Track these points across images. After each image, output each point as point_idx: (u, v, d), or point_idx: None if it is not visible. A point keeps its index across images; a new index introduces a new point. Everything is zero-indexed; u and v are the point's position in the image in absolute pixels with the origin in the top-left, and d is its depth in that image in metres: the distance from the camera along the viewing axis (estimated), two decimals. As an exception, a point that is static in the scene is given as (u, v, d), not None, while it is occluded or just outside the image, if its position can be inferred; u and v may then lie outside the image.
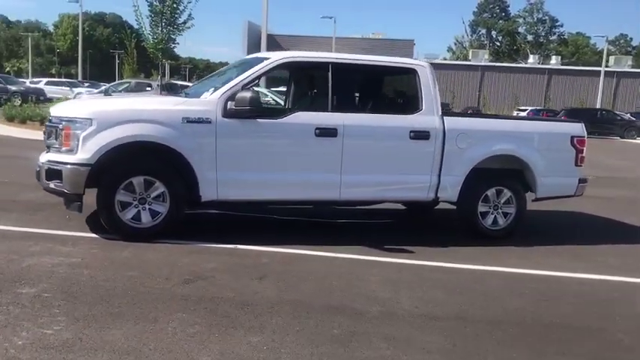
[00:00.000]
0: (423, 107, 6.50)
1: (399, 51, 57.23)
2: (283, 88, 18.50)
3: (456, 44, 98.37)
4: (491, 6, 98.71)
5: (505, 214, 6.90)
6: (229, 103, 5.83)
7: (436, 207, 7.46)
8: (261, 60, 6.30)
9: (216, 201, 6.02)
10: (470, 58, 72.47)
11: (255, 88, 6.57)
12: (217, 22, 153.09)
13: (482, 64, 66.35)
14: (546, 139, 6.99)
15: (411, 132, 6.36)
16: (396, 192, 6.55)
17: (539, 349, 3.95)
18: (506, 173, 6.99)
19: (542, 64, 69.74)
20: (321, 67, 6.54)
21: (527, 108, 52.33)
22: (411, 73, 6.63)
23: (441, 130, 6.47)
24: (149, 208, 5.81)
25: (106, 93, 23.33)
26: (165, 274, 4.84)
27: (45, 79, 40.92)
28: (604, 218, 8.96)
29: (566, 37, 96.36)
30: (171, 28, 18.70)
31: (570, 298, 5.02)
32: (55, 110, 6.02)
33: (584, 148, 7.09)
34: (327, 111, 6.30)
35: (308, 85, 7.46)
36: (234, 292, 4.56)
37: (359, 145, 6.28)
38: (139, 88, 22.50)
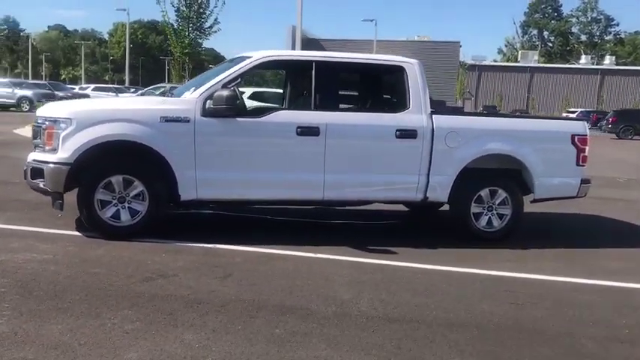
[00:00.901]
0: (411, 105, 6.35)
1: (444, 53, 56.69)
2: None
3: (506, 46, 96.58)
4: (543, 6, 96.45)
5: (500, 216, 6.66)
6: (208, 102, 5.83)
7: (440, 208, 7.33)
8: (244, 59, 6.28)
9: (196, 200, 6.02)
10: (519, 59, 71.00)
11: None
12: (262, 27, 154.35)
13: (532, 65, 64.87)
14: (544, 137, 6.72)
15: (397, 131, 6.21)
16: (383, 192, 6.40)
17: (492, 354, 3.77)
18: (501, 173, 6.75)
19: (596, 64, 67.61)
20: (303, 65, 6.48)
21: (576, 110, 50.88)
22: (398, 70, 6.48)
23: (430, 128, 6.30)
24: (128, 207, 5.86)
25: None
26: (130, 272, 4.85)
27: (93, 86, 42.27)
28: (622, 222, 8.54)
29: (622, 36, 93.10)
30: (198, 33, 19.00)
31: (548, 303, 4.78)
32: (41, 111, 6.16)
33: (586, 147, 6.77)
34: (310, 109, 6.23)
35: (293, 84, 7.40)
36: (190, 290, 4.53)
37: (342, 144, 6.18)
38: (171, 93, 22.84)
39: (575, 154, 6.71)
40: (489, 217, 6.64)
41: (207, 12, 18.58)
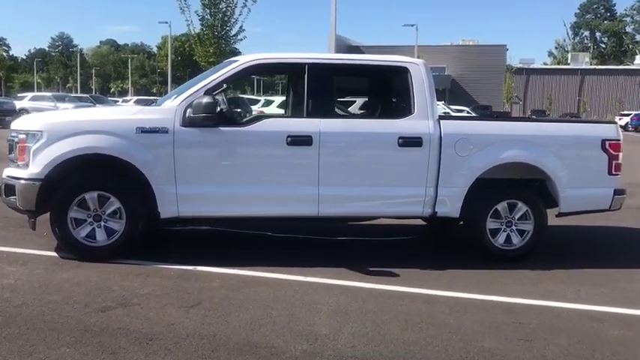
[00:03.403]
0: (415, 110, 5.70)
1: (490, 57, 55.23)
2: (352, 99, 17.96)
3: (557, 48, 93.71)
4: (595, 6, 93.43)
5: (521, 232, 5.92)
6: (189, 110, 5.34)
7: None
8: (231, 63, 5.78)
9: (177, 218, 5.52)
10: (569, 61, 68.72)
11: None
12: (311, 38, 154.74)
13: (582, 67, 62.59)
14: (570, 143, 5.94)
15: (399, 138, 5.58)
16: (386, 207, 5.77)
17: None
18: (521, 184, 6.02)
19: (652, 64, 64.73)
20: (295, 69, 5.93)
21: (630, 112, 48.69)
22: (401, 72, 5.85)
23: (437, 135, 5.64)
24: (104, 226, 5.41)
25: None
26: (88, 300, 4.38)
27: (135, 98, 42.86)
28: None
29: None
30: (223, 41, 18.69)
31: (563, 339, 4.05)
32: (15, 123, 5.79)
33: (620, 154, 5.96)
34: (302, 117, 5.67)
35: (289, 89, 6.85)
36: (147, 323, 4.01)
37: (338, 154, 5.59)
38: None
39: (607, 161, 5.92)
40: (508, 234, 5.91)
41: (232, 20, 18.33)
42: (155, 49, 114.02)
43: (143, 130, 5.30)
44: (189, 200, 5.44)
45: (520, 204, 5.87)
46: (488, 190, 5.84)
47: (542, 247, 6.04)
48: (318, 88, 5.63)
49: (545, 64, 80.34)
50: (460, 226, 6.20)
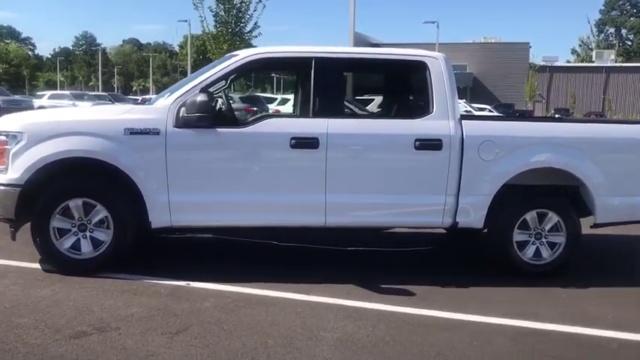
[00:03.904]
0: (434, 109, 5.12)
1: (513, 55, 54.18)
2: (370, 97, 17.28)
3: (580, 46, 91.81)
4: (620, 2, 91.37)
5: (551, 245, 5.31)
6: (182, 110, 4.83)
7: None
8: (230, 58, 5.25)
9: (170, 228, 5.01)
10: (594, 59, 67.20)
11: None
12: (324, 34, 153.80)
13: (608, 65, 61.06)
14: (608, 146, 5.32)
15: (416, 140, 5.01)
16: (400, 216, 5.20)
17: None
18: (552, 192, 5.41)
19: (680, 61, 63.02)
20: (302, 63, 5.38)
21: (658, 111, 47.29)
22: (419, 67, 5.27)
23: (458, 137, 5.06)
24: (90, 236, 4.93)
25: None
26: (62, 324, 3.89)
27: (155, 96, 42.71)
28: None
29: None
30: (238, 38, 18.17)
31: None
32: (-4, 124, 5.32)
33: (666, 158, 5.32)
34: (308, 116, 5.13)
35: (297, 86, 6.30)
36: (123, 353, 3.50)
37: (347, 157, 5.05)
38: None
39: (651, 166, 5.29)
40: (537, 247, 5.31)
41: (247, 16, 17.82)
42: (177, 48, 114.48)
43: (132, 132, 4.81)
44: (182, 208, 4.93)
45: (551, 214, 5.26)
46: (516, 198, 5.25)
47: (575, 260, 5.43)
48: (325, 84, 5.08)
49: (568, 62, 78.68)
50: (484, 236, 5.60)
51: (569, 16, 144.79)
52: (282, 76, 62.20)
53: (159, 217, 4.92)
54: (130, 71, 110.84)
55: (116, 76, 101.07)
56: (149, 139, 4.82)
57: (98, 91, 66.95)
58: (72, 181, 4.91)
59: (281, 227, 5.23)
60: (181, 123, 4.82)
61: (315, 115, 5.04)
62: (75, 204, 4.86)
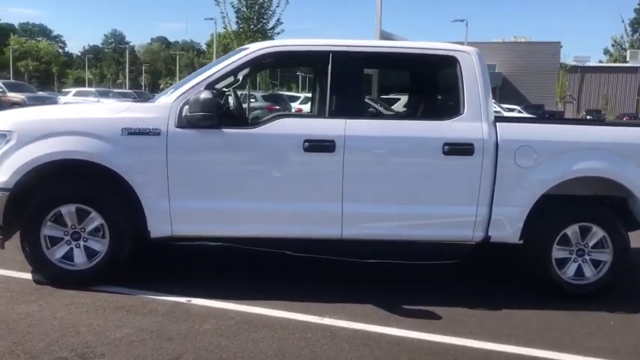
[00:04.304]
0: (465, 110, 4.59)
1: (543, 54, 53.00)
2: (397, 96, 16.65)
3: (613, 45, 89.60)
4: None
5: (596, 263, 4.74)
6: (186, 108, 4.38)
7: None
8: (240, 51, 4.78)
9: (171, 238, 4.57)
10: (628, 59, 65.45)
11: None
12: (351, 32, 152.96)
13: (643, 65, 59.33)
14: (663, 153, 4.72)
15: (445, 145, 4.48)
16: (425, 229, 4.67)
17: None
18: (597, 203, 4.83)
19: None
20: (318, 58, 4.89)
21: (696, 113, 45.74)
22: (449, 63, 4.74)
23: (492, 141, 4.52)
24: (84, 246, 4.51)
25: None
26: (41, 348, 3.46)
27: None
28: None
29: None
30: (260, 35, 17.74)
31: None
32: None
33: None
34: (324, 116, 4.64)
35: (315, 84, 5.81)
36: (103, 386, 3.06)
37: (367, 163, 4.54)
38: (245, 100, 21.81)
39: None
40: (579, 265, 4.75)
41: (269, 12, 17.37)
42: (204, 47, 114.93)
43: (130, 132, 4.37)
44: (184, 217, 4.49)
45: (595, 228, 4.69)
46: (556, 210, 4.69)
47: (622, 280, 4.85)
48: (343, 81, 4.58)
49: (600, 62, 76.80)
50: (518, 251, 5.03)
51: (602, 15, 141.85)
52: (307, 74, 61.79)
53: (158, 226, 4.48)
54: (157, 69, 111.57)
55: (144, 74, 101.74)
56: (148, 140, 4.38)
57: (125, 88, 67.32)
58: (64, 185, 4.49)
59: (291, 239, 4.74)
60: (184, 123, 4.38)
61: (332, 115, 4.55)
62: (68, 210, 4.44)
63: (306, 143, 4.41)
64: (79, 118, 4.49)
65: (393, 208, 4.58)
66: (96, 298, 4.29)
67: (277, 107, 20.71)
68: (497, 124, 4.60)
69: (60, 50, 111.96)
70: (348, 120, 4.49)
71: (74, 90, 35.73)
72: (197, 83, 4.50)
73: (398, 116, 5.16)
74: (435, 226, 4.66)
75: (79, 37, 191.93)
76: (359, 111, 4.66)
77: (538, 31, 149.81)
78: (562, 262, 4.73)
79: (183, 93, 4.47)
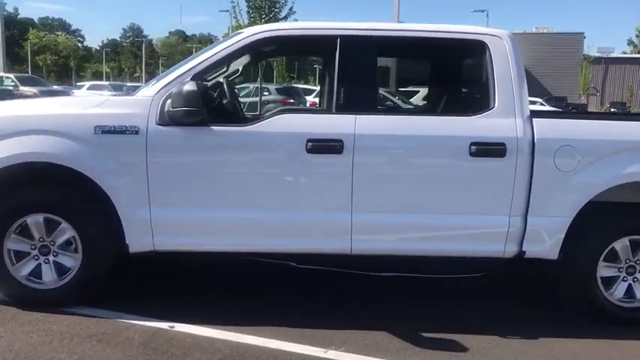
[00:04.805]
0: (496, 104, 3.91)
1: (566, 46, 51.74)
2: (416, 88, 15.88)
3: (638, 36, 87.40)
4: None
5: (649, 283, 4.05)
6: (168, 102, 3.76)
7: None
8: (232, 37, 4.14)
9: (154, 252, 3.95)
10: (654, 50, 63.84)
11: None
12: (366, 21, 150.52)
13: (669, 55, 57.72)
14: None
15: (472, 144, 3.81)
16: (448, 243, 4.01)
17: None
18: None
19: None
20: (324, 44, 4.22)
21: None
22: (476, 48, 4.07)
23: (528, 140, 3.84)
24: (54, 261, 3.92)
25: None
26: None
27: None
28: None
29: None
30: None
31: None
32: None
33: None
34: (331, 112, 3.99)
35: (321, 73, 5.14)
36: None
37: (380, 165, 3.89)
38: (257, 93, 21.28)
39: None
40: (629, 285, 4.06)
41: (282, 1, 16.71)
42: (221, 39, 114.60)
43: (104, 130, 3.76)
44: (168, 228, 3.88)
45: (649, 242, 3.99)
46: (602, 220, 4.00)
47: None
48: (354, 70, 3.92)
49: (624, 53, 74.98)
50: (556, 267, 4.32)
51: (626, 5, 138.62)
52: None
53: (138, 239, 3.88)
54: (175, 62, 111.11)
55: (161, 67, 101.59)
56: (125, 140, 3.76)
57: (142, 82, 67.17)
58: (30, 192, 3.88)
59: (293, 254, 4.09)
60: (166, 119, 3.75)
61: (340, 110, 3.90)
62: (34, 221, 3.85)
63: (310, 143, 3.77)
64: (46, 115, 3.87)
65: (410, 218, 3.92)
66: (64, 323, 3.69)
67: (292, 101, 20.10)
68: (534, 119, 3.92)
69: (78, 44, 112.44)
70: (358, 116, 3.84)
71: (88, 84, 35.45)
72: (182, 73, 3.89)
73: (416, 111, 4.49)
74: (459, 240, 4.00)
75: (98, 31, 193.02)
76: (371, 105, 3.98)
77: (560, 22, 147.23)
78: (609, 281, 4.04)
79: (166, 85, 3.85)
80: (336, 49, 3.94)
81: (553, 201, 3.90)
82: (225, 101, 4.30)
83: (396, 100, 13.10)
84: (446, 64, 4.91)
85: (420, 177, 3.90)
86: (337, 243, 3.93)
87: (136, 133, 3.76)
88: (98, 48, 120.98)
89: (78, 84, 38.86)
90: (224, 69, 4.17)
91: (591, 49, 61.80)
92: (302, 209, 3.88)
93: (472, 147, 3.81)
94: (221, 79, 4.49)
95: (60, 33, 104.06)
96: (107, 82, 37.61)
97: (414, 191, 3.90)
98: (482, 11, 40.42)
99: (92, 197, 3.84)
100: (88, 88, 32.91)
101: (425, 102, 6.18)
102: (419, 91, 16.40)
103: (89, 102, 3.98)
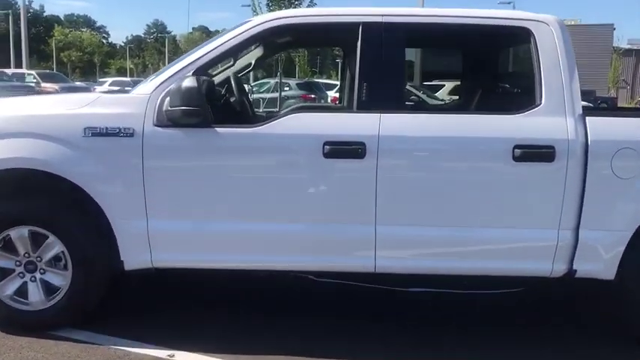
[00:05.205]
0: (543, 100, 3.38)
1: (595, 38, 50.42)
2: (441, 82, 15.23)
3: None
4: None
5: None
6: (167, 101, 3.30)
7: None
8: (240, 26, 3.66)
9: (152, 269, 3.51)
10: (688, 41, 61.97)
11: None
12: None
13: None
14: None
15: (515, 147, 3.29)
16: (487, 260, 3.49)
17: None
18: None
19: None
20: (344, 32, 3.71)
21: None
22: (520, 36, 3.54)
23: (581, 142, 3.30)
24: (41, 279, 3.50)
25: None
26: None
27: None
28: None
29: None
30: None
31: None
32: None
33: None
34: (352, 110, 3.50)
35: (342, 66, 4.64)
36: None
37: (408, 172, 3.39)
38: (277, 89, 20.85)
39: None
40: None
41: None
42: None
43: (95, 132, 3.32)
44: (168, 243, 3.43)
45: None
46: (668, 236, 3.43)
47: None
48: (378, 61, 3.42)
49: (656, 44, 72.97)
50: (608, 287, 3.77)
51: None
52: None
53: (134, 255, 3.44)
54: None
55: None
56: (119, 143, 3.32)
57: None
58: (14, 202, 3.46)
59: (308, 272, 3.61)
60: (165, 120, 3.30)
61: (363, 108, 3.40)
62: (19, 234, 3.43)
63: (327, 147, 3.28)
64: (26, 115, 3.43)
65: (442, 232, 3.42)
66: (50, 351, 3.27)
67: (313, 96, 19.61)
68: (587, 118, 3.38)
69: (103, 41, 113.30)
70: (383, 114, 3.34)
71: (110, 80, 35.35)
72: (183, 67, 3.42)
73: (450, 109, 3.98)
74: (499, 257, 3.47)
75: (123, 27, 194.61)
76: (398, 102, 3.47)
77: (589, 13, 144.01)
78: (675, 305, 3.49)
79: (165, 80, 3.40)
80: (357, 38, 3.45)
81: (610, 212, 3.37)
82: (232, 99, 3.83)
83: (421, 95, 12.42)
84: (483, 54, 4.36)
85: (453, 185, 3.39)
86: (359, 260, 3.45)
87: (131, 135, 3.31)
88: (122, 44, 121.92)
89: (100, 80, 38.86)
90: (231, 62, 3.69)
91: (621, 40, 60.27)
92: (318, 222, 3.40)
93: (516, 150, 3.29)
94: (230, 74, 4.02)
95: (85, 30, 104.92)
96: (130, 79, 37.43)
97: (446, 201, 3.39)
98: (509, 3, 39.18)
99: (83, 208, 3.42)
100: (110, 84, 32.77)
101: (452, 98, 5.67)
102: (444, 85, 15.79)
103: (80, 100, 3.53)
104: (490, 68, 4.33)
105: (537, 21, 3.49)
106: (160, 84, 3.39)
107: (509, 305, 4.24)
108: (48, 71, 35.37)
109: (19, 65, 37.29)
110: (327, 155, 3.29)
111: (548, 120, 3.35)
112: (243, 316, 3.87)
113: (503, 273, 3.55)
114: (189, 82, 3.15)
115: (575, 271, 3.45)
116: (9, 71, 28.22)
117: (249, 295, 4.29)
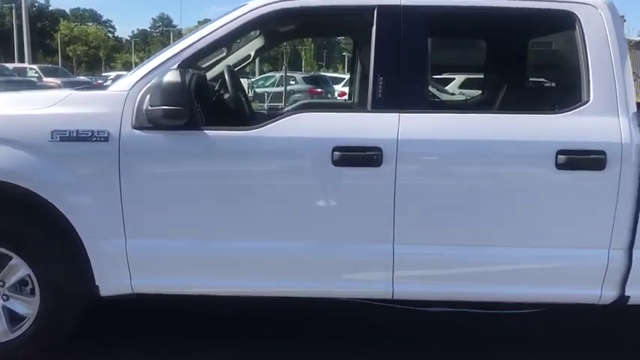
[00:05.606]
0: (591, 97, 2.86)
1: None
2: (451, 76, 14.55)
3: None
4: None
5: None
6: (147, 99, 2.80)
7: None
8: (234, 11, 3.15)
9: (132, 295, 3.02)
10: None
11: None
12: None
13: None
14: None
15: (559, 153, 2.77)
16: (523, 284, 2.98)
17: None
18: None
19: None
20: (356, 17, 3.20)
21: None
22: (561, 22, 3.02)
23: (637, 146, 2.78)
24: (4, 307, 3.02)
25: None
26: None
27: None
28: None
29: None
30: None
31: None
32: None
33: None
34: (365, 109, 2.99)
35: (352, 58, 4.12)
36: None
37: (432, 182, 2.88)
38: (282, 83, 20.34)
39: None
40: None
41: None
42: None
43: (64, 137, 2.83)
44: (150, 265, 2.94)
45: None
46: None
47: None
48: (396, 52, 2.90)
49: (667, 36, 72.01)
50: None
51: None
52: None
53: (111, 279, 2.95)
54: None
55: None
56: (91, 149, 2.83)
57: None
58: (-29, 217, 2.98)
59: (315, 297, 3.12)
60: (145, 121, 2.80)
61: (378, 106, 2.89)
62: (-23, 255, 2.95)
63: (337, 153, 2.78)
64: (-12, 116, 2.95)
65: (471, 252, 2.91)
66: (11, 393, 2.79)
67: (319, 90, 19.09)
68: (643, 118, 2.86)
69: (109, 35, 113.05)
70: (402, 114, 2.83)
71: (113, 74, 34.87)
72: (166, 60, 2.93)
73: (481, 107, 3.46)
74: (540, 281, 2.97)
75: (128, 21, 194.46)
76: (419, 100, 2.95)
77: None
78: None
79: (146, 75, 2.90)
80: (372, 24, 2.94)
81: (670, 230, 2.85)
82: (227, 96, 3.33)
83: (436, 91, 11.66)
84: (517, 43, 3.82)
85: (483, 198, 2.88)
86: (374, 285, 2.95)
87: (106, 139, 2.82)
88: (128, 38, 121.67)
89: (103, 74, 38.44)
90: (224, 54, 3.19)
91: (632, 32, 59.38)
92: (326, 240, 2.90)
93: (559, 156, 2.78)
94: (224, 68, 3.52)
95: (91, 24, 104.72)
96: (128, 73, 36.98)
97: (474, 217, 2.89)
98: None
99: (51, 225, 2.92)
100: (112, 79, 32.36)
101: (462, 92, 5.15)
102: (454, 78, 15.10)
103: (48, 98, 3.04)
104: (524, 60, 3.79)
105: (584, 3, 2.97)
106: (140, 79, 2.89)
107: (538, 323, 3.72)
108: (50, 66, 35.00)
109: (23, 59, 36.93)
110: (336, 163, 2.79)
111: (598, 120, 2.83)
112: (244, 341, 3.37)
113: (543, 300, 3.05)
114: (171, 76, 2.65)
115: (628, 297, 2.95)
116: (11, 65, 27.80)
117: (260, 319, 3.79)
